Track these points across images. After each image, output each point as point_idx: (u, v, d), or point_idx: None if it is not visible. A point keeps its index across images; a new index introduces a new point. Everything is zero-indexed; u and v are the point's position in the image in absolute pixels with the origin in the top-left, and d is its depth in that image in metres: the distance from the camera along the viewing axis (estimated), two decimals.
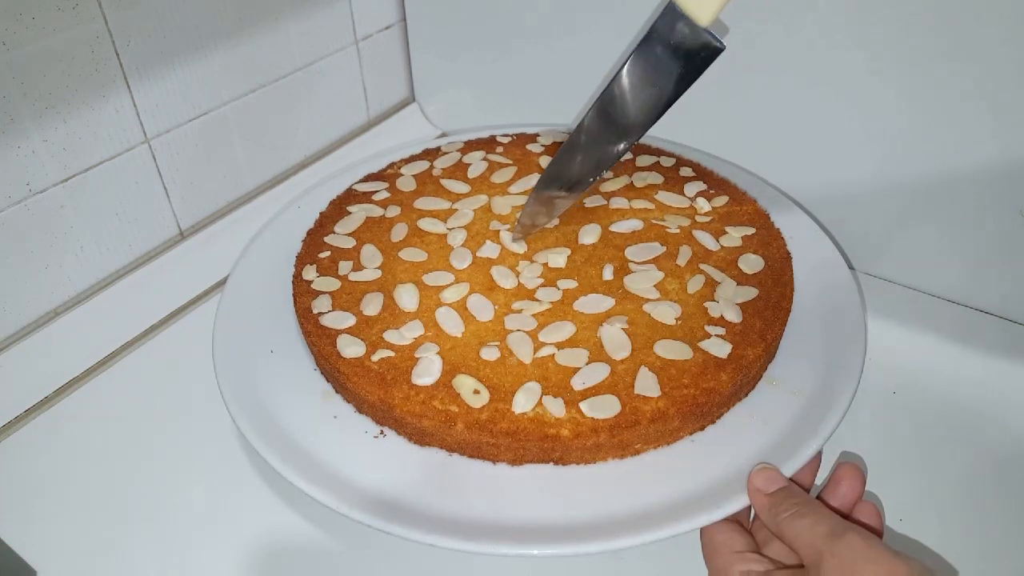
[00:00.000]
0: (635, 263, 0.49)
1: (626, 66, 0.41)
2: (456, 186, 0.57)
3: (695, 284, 0.47)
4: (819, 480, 0.42)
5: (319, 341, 0.45)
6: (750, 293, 0.46)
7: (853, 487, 0.37)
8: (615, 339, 0.43)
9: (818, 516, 0.34)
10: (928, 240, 0.54)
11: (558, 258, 0.49)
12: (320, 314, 0.46)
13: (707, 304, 0.46)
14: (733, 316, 0.45)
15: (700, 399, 0.40)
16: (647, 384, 0.41)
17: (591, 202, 0.54)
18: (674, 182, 0.57)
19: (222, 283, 0.56)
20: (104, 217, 0.54)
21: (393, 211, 0.55)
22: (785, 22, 0.52)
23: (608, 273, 0.48)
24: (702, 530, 0.37)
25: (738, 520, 0.38)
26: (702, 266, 0.48)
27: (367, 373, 0.42)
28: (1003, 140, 0.48)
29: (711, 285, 0.47)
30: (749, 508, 0.38)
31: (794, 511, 0.34)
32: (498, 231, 0.52)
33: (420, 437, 0.42)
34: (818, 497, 0.38)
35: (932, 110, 0.49)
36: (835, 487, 0.38)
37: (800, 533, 0.33)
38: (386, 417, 0.42)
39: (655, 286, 0.47)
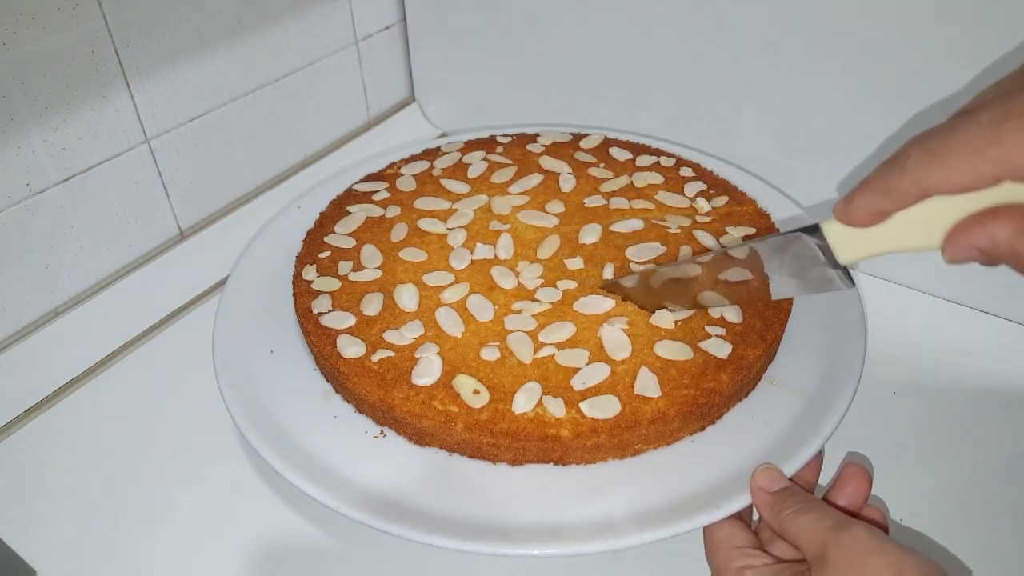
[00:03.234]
0: (636, 263, 0.49)
1: (755, 246, 0.39)
2: (456, 186, 0.57)
3: None
4: (824, 481, 0.42)
5: (319, 341, 0.45)
6: None
7: (860, 487, 0.37)
8: (615, 339, 0.43)
9: (822, 512, 0.34)
10: None
11: (574, 261, 0.49)
12: (320, 314, 0.46)
13: None
14: (733, 316, 0.45)
15: (700, 399, 0.40)
16: (647, 384, 0.41)
17: (591, 202, 0.54)
18: (674, 182, 0.57)
19: (222, 283, 0.56)
20: (104, 217, 0.54)
21: (393, 211, 0.55)
22: (786, 22, 0.52)
23: (608, 273, 0.48)
24: (704, 527, 0.37)
25: (740, 517, 0.38)
26: None
27: (367, 373, 0.42)
28: None
29: None
30: (752, 507, 0.38)
31: (797, 508, 0.34)
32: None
33: (420, 437, 0.42)
34: (824, 497, 0.38)
35: (933, 110, 0.49)
36: (842, 487, 0.38)
37: (804, 528, 0.33)
38: (386, 417, 0.42)
39: None
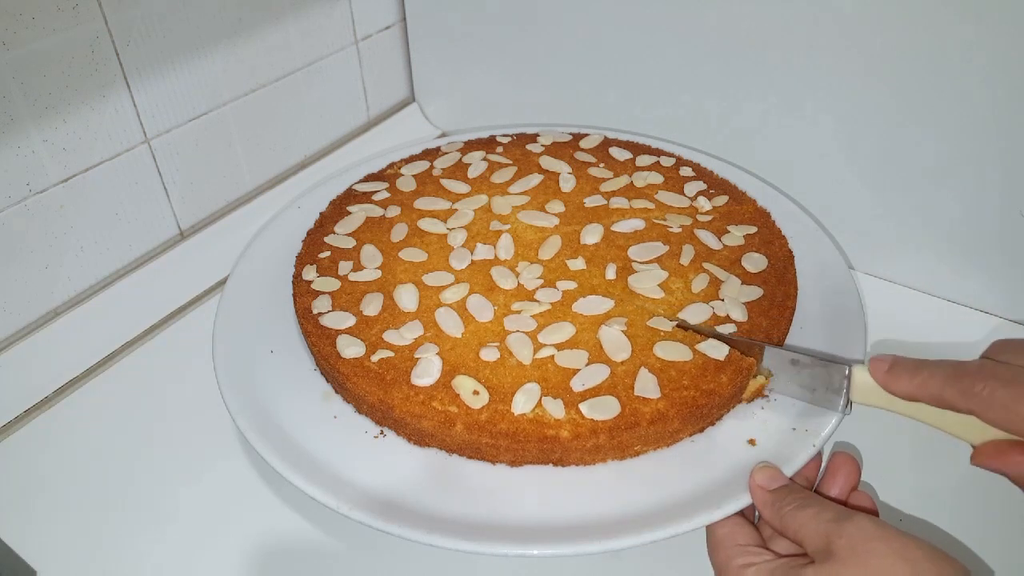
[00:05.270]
0: (638, 263, 0.49)
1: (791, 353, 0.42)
2: (456, 186, 0.57)
3: (700, 283, 0.47)
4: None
5: (319, 341, 0.45)
6: (755, 292, 0.46)
7: (850, 475, 0.38)
8: (615, 340, 0.43)
9: (822, 506, 0.34)
10: (928, 240, 0.54)
11: (576, 262, 0.49)
12: (320, 314, 0.46)
13: (712, 304, 0.46)
14: (739, 315, 0.45)
15: (700, 400, 0.40)
16: (647, 385, 0.41)
17: (591, 202, 0.54)
18: (674, 182, 0.57)
19: (222, 283, 0.56)
20: (104, 217, 0.54)
21: (393, 211, 0.55)
22: (785, 23, 0.52)
23: (611, 273, 0.48)
24: (707, 526, 0.37)
25: (743, 515, 0.38)
26: (705, 265, 0.48)
27: (367, 373, 0.42)
28: (1003, 140, 0.48)
29: (715, 284, 0.47)
30: (753, 505, 0.38)
31: (797, 503, 0.35)
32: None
33: (420, 438, 0.42)
34: (815, 489, 0.38)
35: (932, 110, 0.49)
36: (832, 477, 0.38)
37: (805, 522, 0.33)
38: (386, 418, 0.42)
39: (659, 285, 0.47)
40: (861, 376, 0.38)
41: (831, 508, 0.33)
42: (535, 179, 0.57)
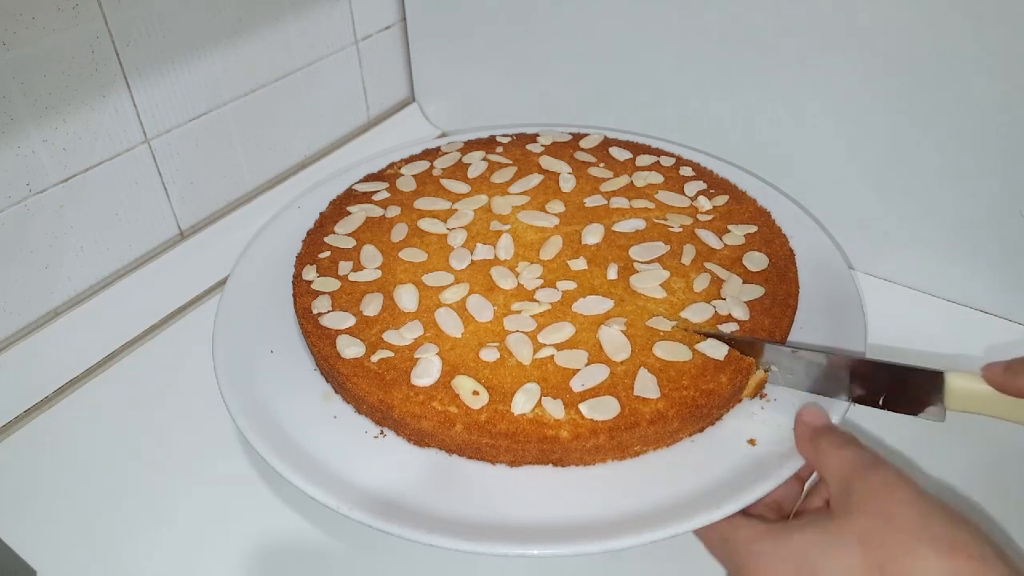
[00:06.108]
0: (640, 262, 0.49)
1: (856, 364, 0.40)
2: (456, 186, 0.57)
3: (701, 282, 0.47)
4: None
5: (319, 341, 0.45)
6: (757, 291, 0.46)
7: None
8: (614, 340, 0.43)
9: (861, 450, 0.35)
10: (928, 240, 0.54)
11: (578, 262, 0.49)
12: (320, 314, 0.46)
13: (714, 303, 0.46)
14: (741, 314, 0.45)
15: (700, 400, 0.40)
16: (646, 385, 0.41)
17: (592, 202, 0.54)
18: (674, 182, 0.57)
19: (222, 283, 0.56)
20: (104, 217, 0.54)
21: (393, 211, 0.55)
22: (785, 22, 0.52)
23: (612, 273, 0.48)
24: (716, 529, 0.37)
25: (749, 513, 0.38)
26: (707, 264, 0.48)
27: (366, 374, 0.42)
28: (1003, 140, 0.48)
29: (717, 283, 0.47)
30: (759, 503, 0.38)
31: (837, 443, 0.35)
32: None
33: (420, 438, 0.41)
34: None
35: (932, 110, 0.49)
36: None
37: (837, 462, 0.34)
38: (385, 418, 0.42)
39: (661, 285, 0.47)
40: (961, 382, 0.36)
41: (867, 455, 0.34)
42: (535, 179, 0.57)
